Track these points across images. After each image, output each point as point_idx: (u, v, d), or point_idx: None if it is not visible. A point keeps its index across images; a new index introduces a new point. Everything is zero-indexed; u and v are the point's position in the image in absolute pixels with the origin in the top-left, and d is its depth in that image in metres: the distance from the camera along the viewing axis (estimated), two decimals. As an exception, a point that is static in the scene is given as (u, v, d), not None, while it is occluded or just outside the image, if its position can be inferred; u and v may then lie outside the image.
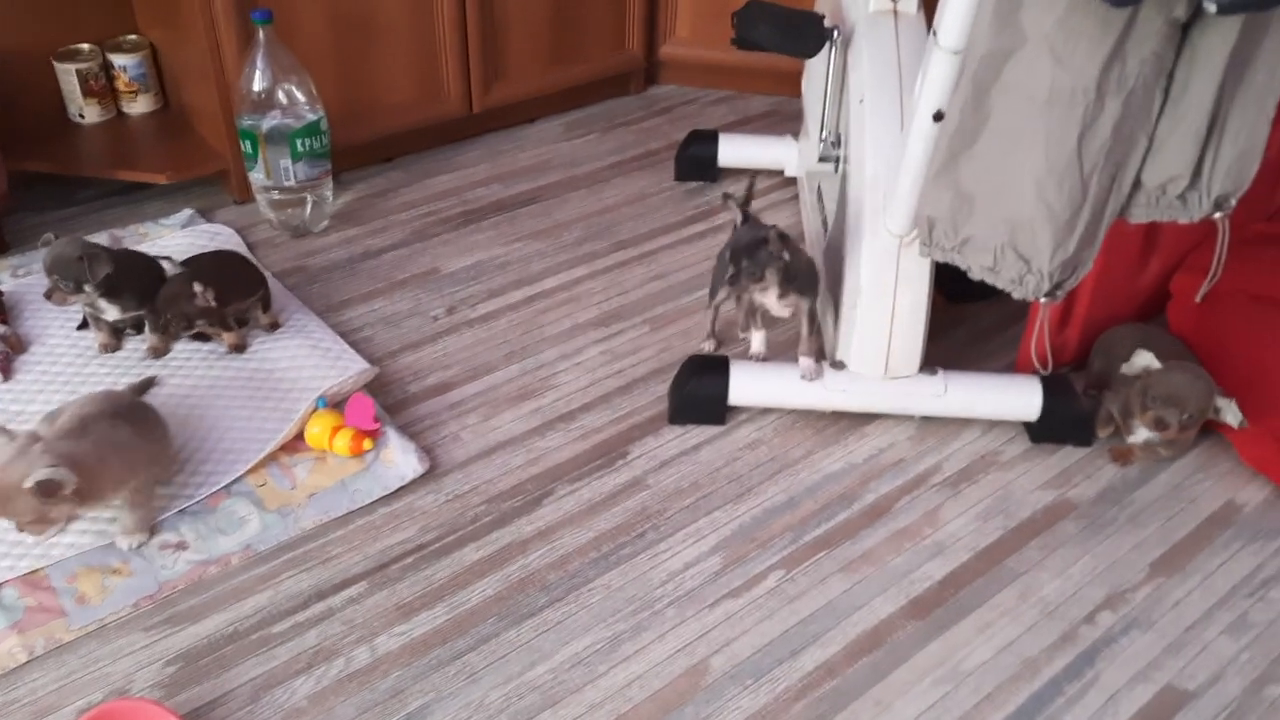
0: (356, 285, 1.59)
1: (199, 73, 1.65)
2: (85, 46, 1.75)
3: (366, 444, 1.23)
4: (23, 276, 1.51)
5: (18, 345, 1.36)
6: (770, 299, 1.28)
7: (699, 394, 1.33)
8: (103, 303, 1.31)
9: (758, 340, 1.35)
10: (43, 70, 1.73)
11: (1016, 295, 1.06)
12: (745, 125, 2.11)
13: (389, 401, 1.35)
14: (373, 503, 1.20)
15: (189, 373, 1.35)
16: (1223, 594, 1.13)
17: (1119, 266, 1.38)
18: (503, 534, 1.18)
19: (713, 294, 1.43)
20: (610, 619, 1.08)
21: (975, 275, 1.05)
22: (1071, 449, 1.32)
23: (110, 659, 1.01)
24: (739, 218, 1.35)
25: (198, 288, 1.28)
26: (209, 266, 1.35)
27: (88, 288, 1.27)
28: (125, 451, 1.06)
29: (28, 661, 0.99)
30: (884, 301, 1.26)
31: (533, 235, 1.74)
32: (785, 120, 2.08)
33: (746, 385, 1.32)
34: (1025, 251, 1.03)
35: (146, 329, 1.38)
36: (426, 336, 1.49)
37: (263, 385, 1.34)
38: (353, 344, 1.43)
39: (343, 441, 1.22)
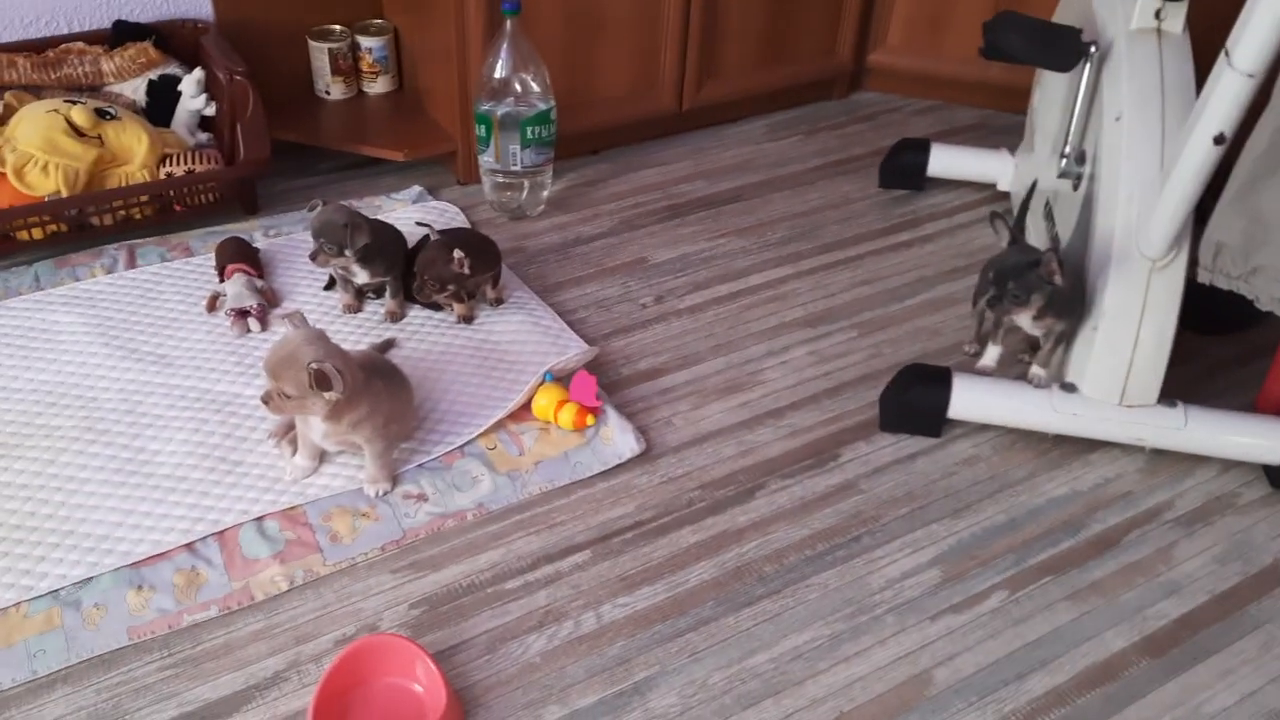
0: (570, 269, 1.66)
1: (441, 57, 1.75)
2: (336, 27, 1.89)
3: (589, 420, 1.28)
4: (273, 237, 1.63)
5: (273, 299, 1.48)
6: (1025, 319, 1.26)
7: (918, 404, 1.33)
8: (356, 267, 1.42)
9: (991, 355, 1.34)
10: (297, 48, 1.88)
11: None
12: (951, 137, 2.08)
13: (604, 382, 1.40)
14: (592, 476, 1.25)
15: (423, 338, 1.44)
16: None
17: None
18: (717, 521, 1.21)
19: (975, 302, 1.42)
20: (829, 617, 1.09)
21: (1264, 306, 1.01)
22: (1317, 499, 1.25)
23: (361, 595, 1.09)
24: (1005, 240, 1.33)
25: (458, 254, 1.37)
26: (464, 239, 1.43)
27: (348, 253, 1.37)
28: (376, 396, 1.15)
29: (288, 590, 1.08)
30: (1128, 326, 1.23)
31: (737, 232, 1.77)
32: (993, 134, 2.05)
33: (969, 399, 1.31)
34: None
35: (387, 294, 1.47)
36: (636, 322, 1.54)
37: (490, 356, 1.41)
38: (569, 324, 1.49)
39: (567, 415, 1.28)
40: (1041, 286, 1.20)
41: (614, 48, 1.84)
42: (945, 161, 1.90)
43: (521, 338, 1.44)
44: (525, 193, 1.75)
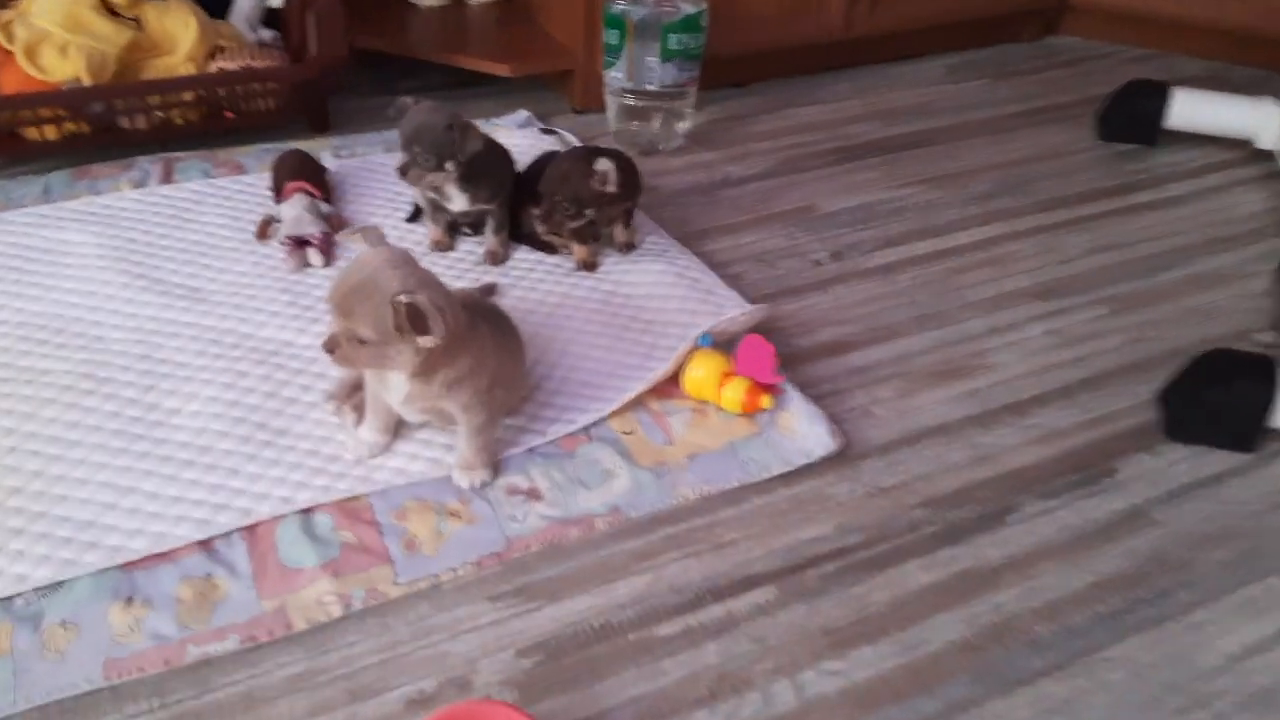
0: (717, 214, 1.32)
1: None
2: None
3: (764, 401, 0.94)
4: (346, 158, 1.33)
5: (340, 227, 1.17)
6: None
7: (1225, 406, 0.96)
8: (455, 189, 1.10)
9: None
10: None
11: None
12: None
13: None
14: (770, 480, 0.91)
15: (533, 285, 1.12)
16: None
17: None
18: (956, 554, 0.85)
19: None
20: (1149, 710, 0.73)
21: None
22: None
23: (447, 633, 0.76)
24: None
25: (603, 165, 1.04)
26: (606, 154, 1.10)
27: (450, 165, 1.05)
28: (482, 349, 0.82)
29: (342, 617, 0.76)
30: None
31: (927, 181, 1.42)
32: (1228, 89, 1.64)
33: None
34: None
35: (489, 229, 1.16)
36: (810, 282, 1.20)
37: (621, 311, 1.08)
38: (722, 279, 1.15)
39: (734, 394, 0.94)
40: None
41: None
42: (1190, 110, 1.52)
43: (663, 291, 1.11)
44: (660, 121, 1.42)
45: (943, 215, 1.34)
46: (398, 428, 0.90)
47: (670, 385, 0.98)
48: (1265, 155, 1.50)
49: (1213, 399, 0.97)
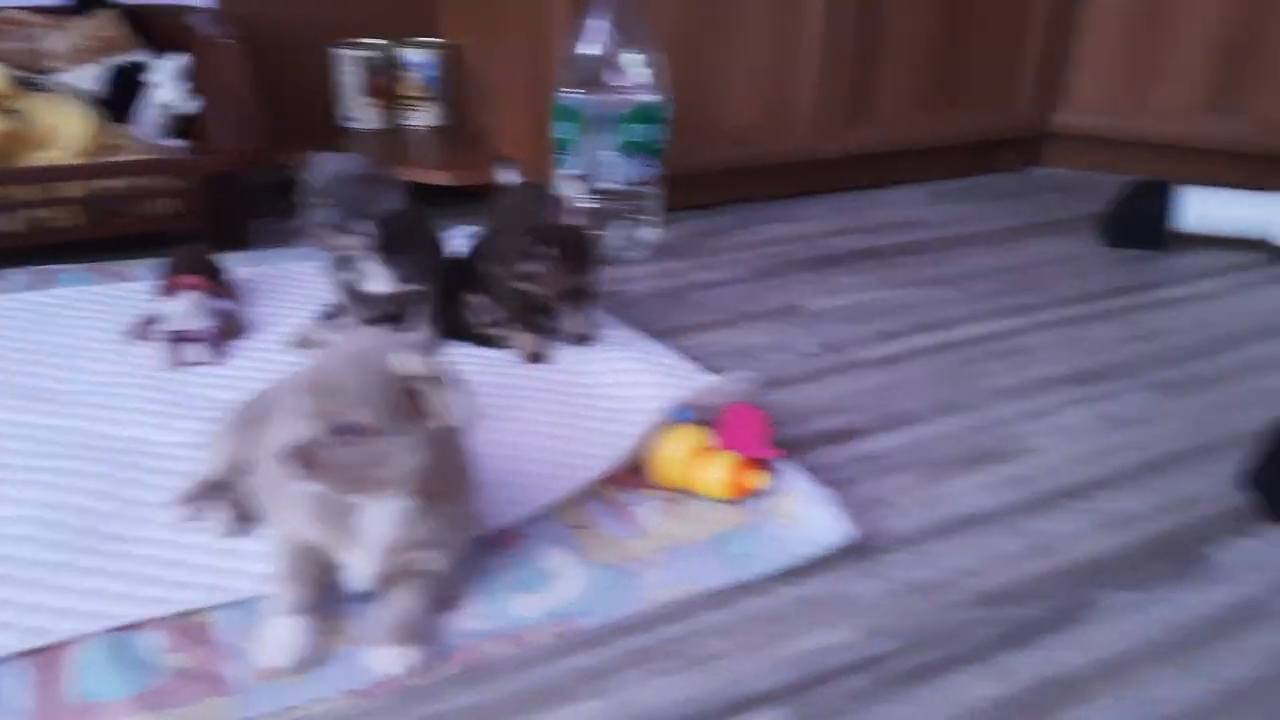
0: (690, 315, 1.18)
1: (516, 76, 1.37)
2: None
3: (754, 480, 0.76)
4: (258, 265, 1.20)
5: (235, 327, 1.02)
6: None
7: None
8: (373, 264, 0.95)
9: None
10: (317, 61, 1.52)
11: None
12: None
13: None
14: (769, 578, 0.71)
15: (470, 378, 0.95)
16: None
17: None
18: (1024, 660, 0.65)
19: None
20: None
21: None
22: None
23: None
24: None
25: (564, 190, 0.92)
26: (550, 231, 0.97)
27: (363, 230, 0.91)
28: (462, 476, 0.64)
29: (154, 766, 0.53)
30: None
31: (925, 283, 1.30)
32: None
33: None
34: None
35: (415, 320, 1.00)
36: (802, 373, 1.04)
37: (578, 398, 0.91)
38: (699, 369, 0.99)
39: (717, 472, 0.76)
40: None
41: (740, 52, 1.45)
42: (1198, 208, 1.44)
43: (628, 377, 0.94)
44: (621, 225, 1.31)
45: (947, 312, 1.21)
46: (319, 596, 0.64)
47: (636, 475, 0.79)
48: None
49: (1317, 466, 0.79)
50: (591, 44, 1.23)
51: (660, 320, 1.15)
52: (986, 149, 1.82)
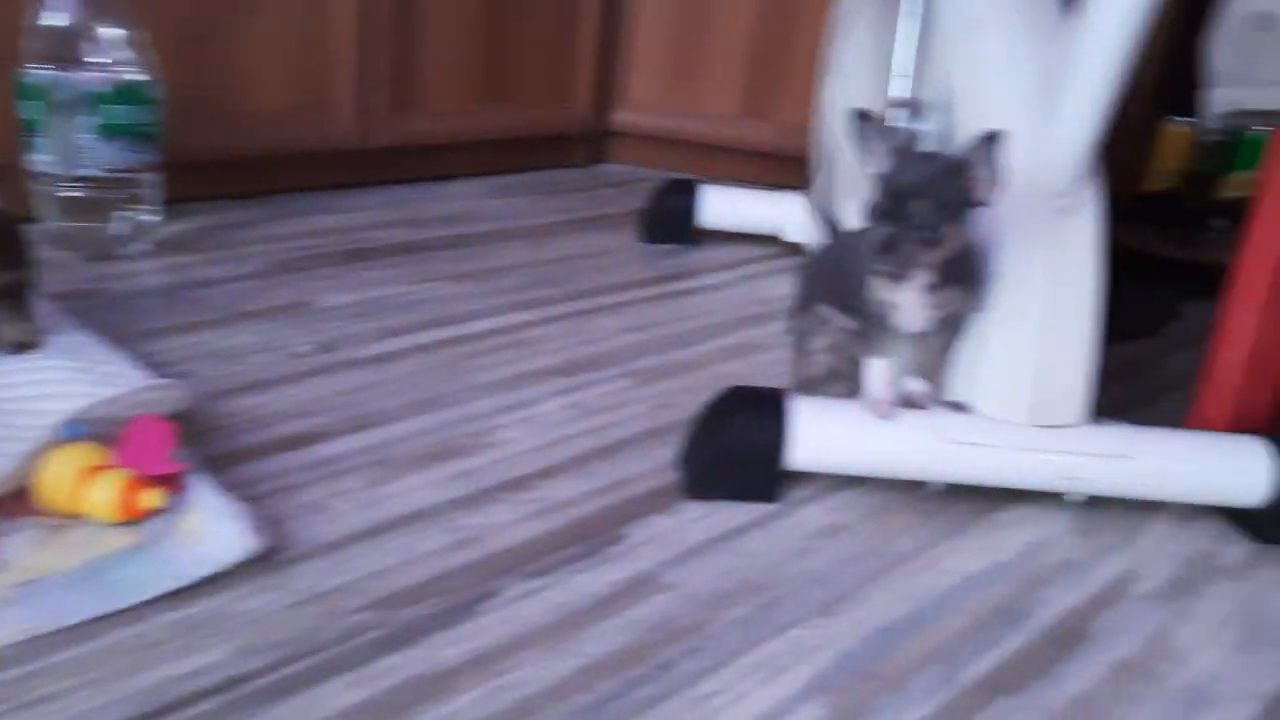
0: (178, 315, 1.10)
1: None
2: None
3: (149, 499, 0.71)
4: None
5: None
6: (914, 292, 0.85)
7: (741, 448, 0.87)
8: None
9: (887, 376, 0.89)
10: None
11: None
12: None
13: (210, 453, 0.84)
14: (151, 602, 0.67)
15: None
16: None
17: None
18: (404, 660, 0.65)
19: (797, 319, 1.01)
20: (636, 817, 0.55)
21: None
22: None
23: None
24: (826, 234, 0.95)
25: None
26: None
27: None
28: None
29: None
30: (1034, 296, 0.86)
31: (452, 278, 1.31)
32: None
33: (818, 439, 0.87)
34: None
35: None
36: (282, 376, 1.00)
37: (-22, 416, 0.81)
38: (156, 376, 0.92)
39: (105, 493, 0.70)
40: (962, 207, 0.80)
41: (263, 38, 1.38)
42: (721, 207, 1.57)
43: (47, 390, 0.85)
44: (111, 217, 1.20)
45: (463, 306, 1.22)
46: None
47: (21, 501, 0.71)
48: (794, 248, 1.56)
49: (725, 443, 0.88)
50: (58, 14, 1.10)
51: (140, 322, 1.06)
52: (554, 144, 1.87)
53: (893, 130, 0.83)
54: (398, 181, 1.66)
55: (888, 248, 0.79)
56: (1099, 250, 0.87)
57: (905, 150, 0.82)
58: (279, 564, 0.73)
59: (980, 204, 0.80)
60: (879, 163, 0.81)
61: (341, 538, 0.77)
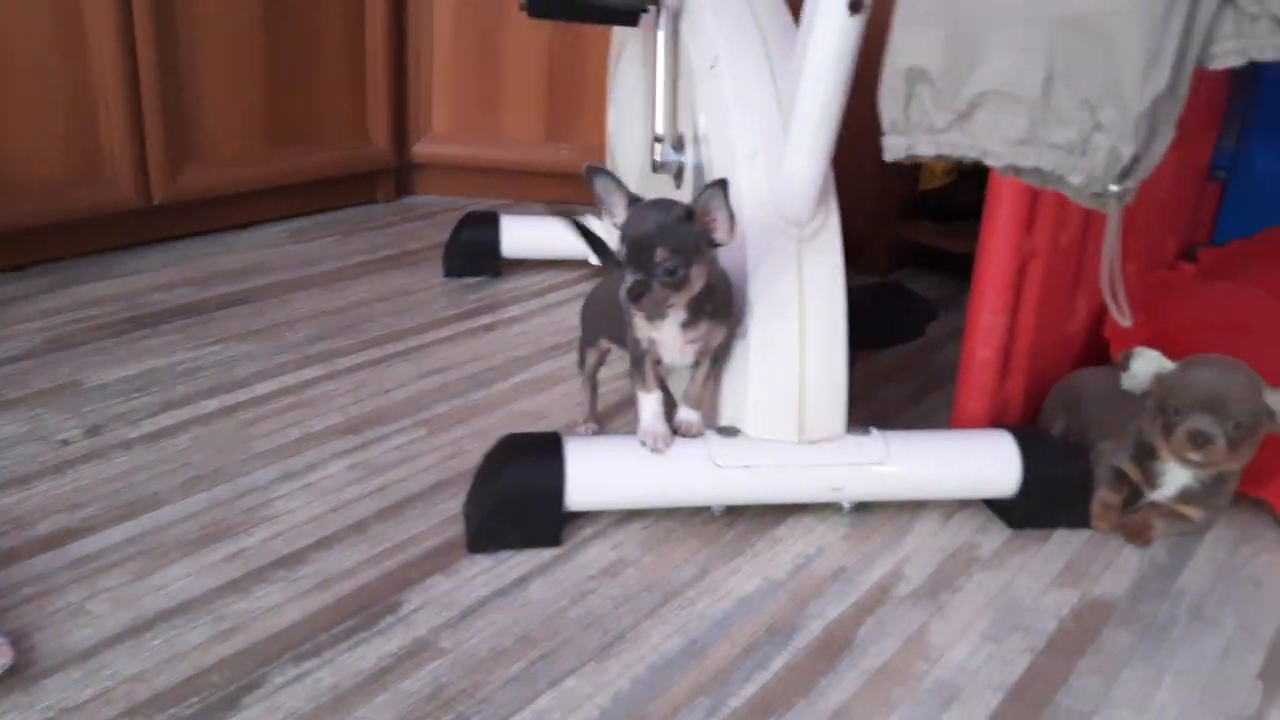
0: (-74, 414, 1.04)
1: None
2: None
3: (-126, 632, 0.67)
4: None
5: None
6: (673, 329, 0.88)
7: (518, 499, 0.89)
8: None
9: (651, 409, 0.92)
10: None
11: (1075, 181, 0.65)
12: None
13: (-50, 567, 0.79)
14: (-128, 747, 0.63)
15: None
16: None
17: (1051, 304, 1.10)
18: (158, 770, 0.64)
19: (583, 354, 1.03)
20: None
21: (998, 161, 0.68)
22: (1065, 533, 0.98)
23: None
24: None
25: None
26: None
27: None
28: None
29: None
30: (787, 321, 0.90)
31: (237, 337, 1.27)
32: None
33: (593, 476, 0.89)
34: (1090, 92, 0.63)
35: None
36: (45, 467, 0.96)
37: None
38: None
39: None
40: (701, 249, 0.83)
41: (24, 102, 1.32)
42: (520, 235, 1.57)
43: None
44: None
45: (247, 368, 1.19)
46: None
47: None
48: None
49: (502, 490, 0.89)
50: None
51: (-121, 423, 1.00)
52: (355, 182, 1.84)
53: (623, 185, 0.86)
54: (188, 235, 1.60)
55: (637, 293, 0.82)
56: (841, 271, 0.92)
57: (641, 201, 0.85)
58: (23, 681, 0.70)
59: (718, 243, 0.84)
60: (619, 214, 0.84)
61: (99, 642, 0.74)
